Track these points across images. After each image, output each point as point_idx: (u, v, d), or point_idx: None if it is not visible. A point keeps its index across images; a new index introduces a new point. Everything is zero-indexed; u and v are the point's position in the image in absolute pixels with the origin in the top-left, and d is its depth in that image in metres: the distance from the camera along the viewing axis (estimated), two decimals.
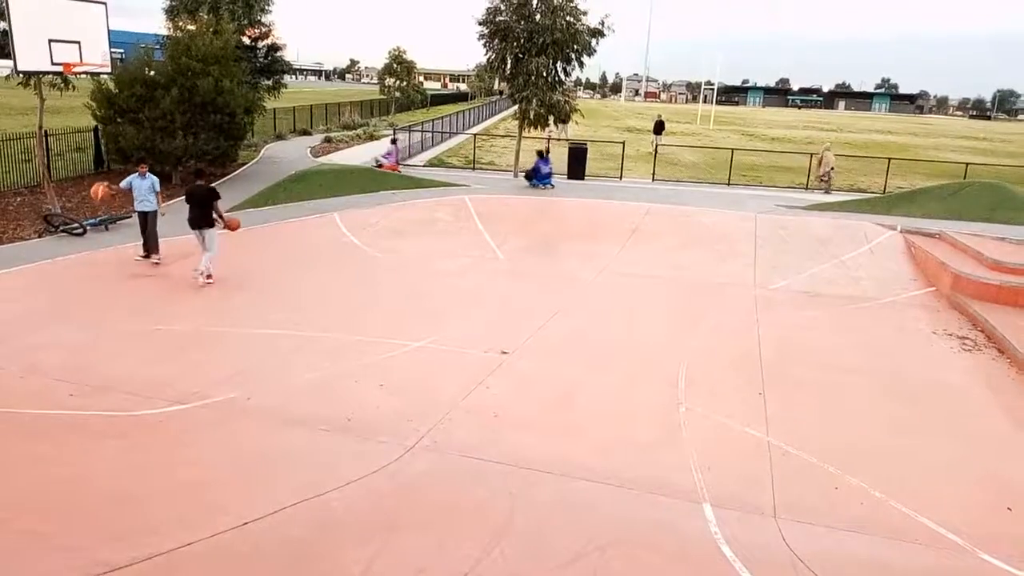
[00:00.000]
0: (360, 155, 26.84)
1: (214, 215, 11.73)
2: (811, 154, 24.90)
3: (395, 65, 47.48)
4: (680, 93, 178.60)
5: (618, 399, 8.34)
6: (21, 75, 14.93)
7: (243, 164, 22.54)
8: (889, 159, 25.67)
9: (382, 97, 50.49)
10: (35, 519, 5.54)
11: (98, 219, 14.76)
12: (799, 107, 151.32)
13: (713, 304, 12.09)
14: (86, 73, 15.82)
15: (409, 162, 25.91)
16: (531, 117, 21.68)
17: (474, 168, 25.70)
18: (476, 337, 9.91)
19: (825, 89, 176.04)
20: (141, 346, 9.19)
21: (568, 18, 20.79)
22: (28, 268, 12.05)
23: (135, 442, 6.90)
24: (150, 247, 12.69)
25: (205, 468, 6.52)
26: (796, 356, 9.92)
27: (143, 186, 12.47)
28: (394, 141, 24.36)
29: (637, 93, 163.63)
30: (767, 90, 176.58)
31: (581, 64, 21.82)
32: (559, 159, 24.72)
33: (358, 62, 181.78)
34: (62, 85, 15.55)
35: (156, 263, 12.64)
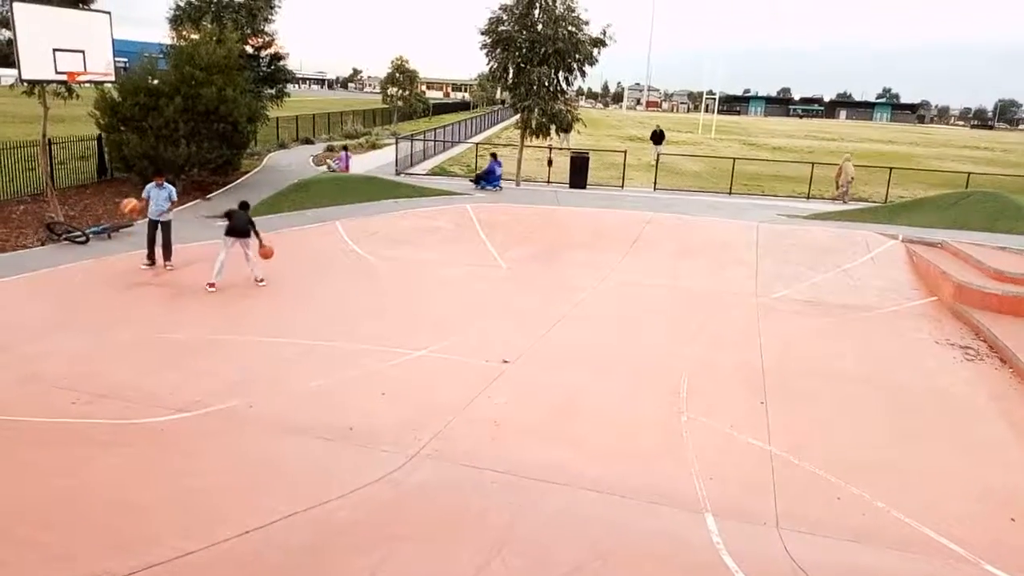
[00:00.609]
0: (363, 164, 26.97)
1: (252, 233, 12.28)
2: (812, 163, 24.94)
3: (398, 74, 47.58)
4: (682, 102, 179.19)
5: (620, 408, 8.33)
6: (25, 84, 15.04)
7: (246, 172, 22.64)
8: (891, 168, 25.66)
9: (384, 106, 50.63)
10: (36, 528, 5.54)
11: (101, 227, 14.81)
12: (800, 116, 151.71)
13: (715, 313, 12.09)
14: (90, 82, 15.92)
15: (411, 171, 26.04)
16: (533, 126, 21.77)
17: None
18: (478, 346, 9.92)
19: (826, 99, 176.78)
20: (143, 354, 9.20)
21: (570, 28, 20.91)
22: (31, 276, 12.07)
23: (137, 450, 6.90)
24: (164, 255, 13.02)
25: (207, 477, 6.51)
26: (798, 365, 9.91)
27: (160, 196, 12.86)
28: (345, 148, 27.55)
29: (639, 103, 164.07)
30: (768, 99, 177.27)
31: (583, 74, 21.95)
32: (561, 168, 24.82)
33: (361, 71, 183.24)
34: (66, 94, 15.63)
35: (170, 269, 12.95)
